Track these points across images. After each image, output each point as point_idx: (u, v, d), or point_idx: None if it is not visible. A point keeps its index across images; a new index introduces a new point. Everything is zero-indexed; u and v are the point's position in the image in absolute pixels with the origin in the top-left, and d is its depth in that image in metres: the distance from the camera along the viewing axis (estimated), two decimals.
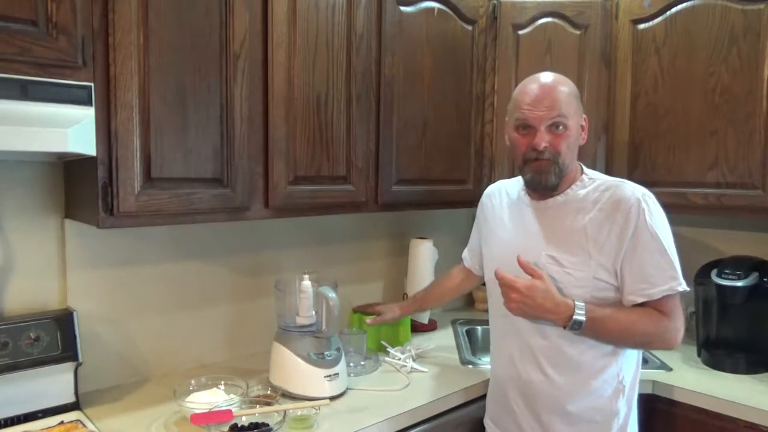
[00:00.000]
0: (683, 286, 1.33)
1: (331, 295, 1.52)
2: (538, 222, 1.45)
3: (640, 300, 1.32)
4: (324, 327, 1.55)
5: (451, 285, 1.90)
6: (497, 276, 1.35)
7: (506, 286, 1.34)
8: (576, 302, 1.32)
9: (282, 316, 1.64)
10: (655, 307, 1.33)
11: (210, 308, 1.81)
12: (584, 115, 1.44)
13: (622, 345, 1.38)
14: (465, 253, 1.83)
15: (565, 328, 1.33)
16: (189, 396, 1.42)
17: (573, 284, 1.35)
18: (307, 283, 1.57)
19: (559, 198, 1.43)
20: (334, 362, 1.56)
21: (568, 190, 1.42)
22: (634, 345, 1.40)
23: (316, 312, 1.58)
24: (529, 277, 1.34)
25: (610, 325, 1.32)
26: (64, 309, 1.50)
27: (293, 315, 1.59)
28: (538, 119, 1.36)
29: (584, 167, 1.48)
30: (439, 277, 2.00)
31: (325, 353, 1.55)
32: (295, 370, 1.53)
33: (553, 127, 1.36)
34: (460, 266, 1.87)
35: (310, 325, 1.57)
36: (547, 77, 1.39)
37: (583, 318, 1.30)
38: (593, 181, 1.42)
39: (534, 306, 1.31)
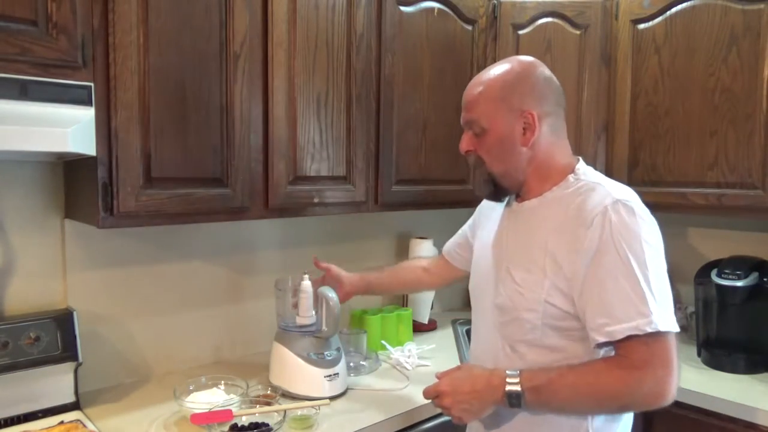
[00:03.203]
0: (655, 326, 1.00)
1: (331, 295, 1.52)
2: (511, 228, 1.25)
3: (601, 339, 1.04)
4: (324, 327, 1.55)
5: (412, 269, 1.69)
6: (425, 395, 1.21)
7: (435, 398, 1.17)
8: (508, 371, 1.09)
9: (282, 316, 1.64)
10: (623, 354, 1.04)
11: (210, 308, 1.81)
12: (527, 109, 1.16)
13: (592, 413, 1.12)
14: (448, 245, 1.65)
15: (508, 406, 1.09)
16: (189, 396, 1.42)
17: (523, 306, 1.14)
18: (307, 283, 1.57)
19: (534, 201, 1.21)
20: (334, 362, 1.56)
21: (548, 193, 1.19)
22: (609, 411, 1.13)
23: (316, 312, 1.58)
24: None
25: (562, 392, 1.06)
26: (64, 309, 1.49)
27: (293, 315, 1.59)
28: (462, 121, 1.24)
29: (580, 165, 1.23)
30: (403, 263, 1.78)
31: (325, 353, 1.54)
32: (295, 370, 1.53)
33: (470, 129, 1.22)
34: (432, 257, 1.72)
35: (310, 325, 1.57)
36: (477, 76, 1.24)
37: (517, 388, 1.06)
38: (578, 181, 1.18)
39: (468, 396, 1.11)
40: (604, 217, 1.07)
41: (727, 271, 1.81)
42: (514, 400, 1.07)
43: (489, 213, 1.38)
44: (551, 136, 1.20)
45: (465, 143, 1.23)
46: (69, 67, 1.17)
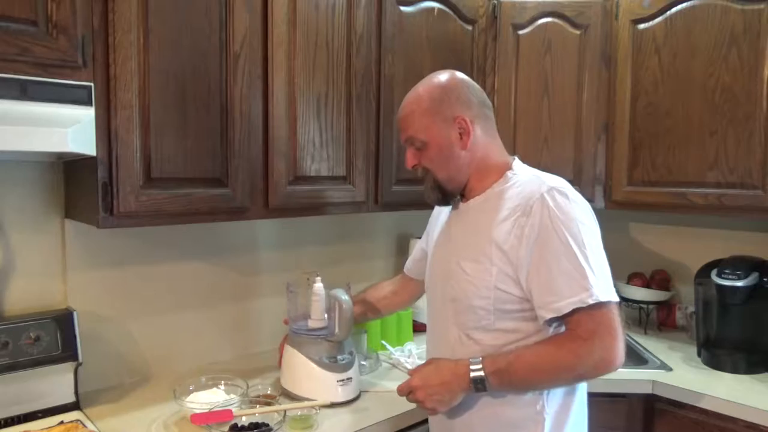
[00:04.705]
0: (596, 298, 1.10)
1: (344, 297, 1.48)
2: (458, 226, 1.33)
3: (548, 315, 1.14)
4: (336, 330, 1.50)
5: (382, 295, 1.68)
6: (398, 392, 1.27)
7: (409, 393, 1.24)
8: (471, 359, 1.17)
9: (294, 319, 1.60)
10: (572, 328, 1.14)
11: (210, 308, 1.81)
12: (459, 115, 1.25)
13: (549, 386, 1.20)
14: (407, 262, 1.67)
15: (475, 391, 1.18)
16: (189, 396, 1.42)
17: (475, 294, 1.21)
18: (319, 285, 1.53)
19: (479, 198, 1.29)
20: (347, 366, 1.52)
21: (489, 190, 1.28)
22: (566, 382, 1.21)
23: (329, 315, 1.54)
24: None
25: (521, 372, 1.15)
26: (64, 309, 1.49)
27: (305, 318, 1.56)
28: (402, 140, 1.34)
29: (516, 161, 1.32)
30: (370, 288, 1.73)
31: (338, 357, 1.51)
32: (308, 375, 1.50)
33: (411, 145, 1.30)
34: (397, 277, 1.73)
35: (322, 329, 1.53)
36: (406, 97, 1.33)
37: (481, 373, 1.15)
38: (516, 176, 1.27)
39: (439, 387, 1.19)
40: (542, 203, 1.16)
41: (727, 271, 1.81)
42: (479, 385, 1.16)
43: (437, 220, 1.48)
44: (485, 137, 1.29)
45: (410, 159, 1.32)
46: (69, 67, 1.17)
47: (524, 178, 1.25)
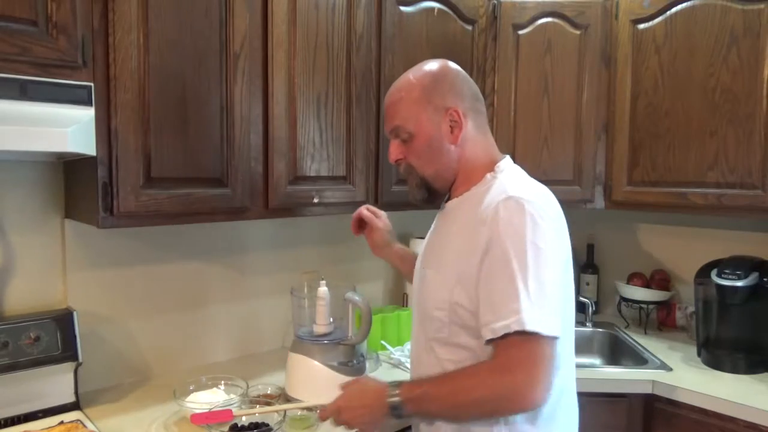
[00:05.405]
0: (522, 325, 0.96)
1: (360, 299, 1.44)
2: (435, 230, 1.27)
3: (487, 336, 1.01)
4: (351, 334, 1.48)
5: None
6: (323, 416, 1.19)
7: (334, 416, 1.15)
8: (391, 382, 1.10)
9: (301, 324, 1.57)
10: (495, 355, 1.02)
11: (210, 308, 1.81)
12: (451, 106, 1.15)
13: (466, 420, 1.08)
14: None
15: (393, 417, 1.09)
16: (189, 396, 1.42)
17: (433, 306, 1.13)
18: (323, 289, 1.50)
19: (455, 201, 1.20)
20: (362, 369, 1.50)
21: (467, 192, 1.18)
22: (478, 417, 1.07)
23: (334, 319, 1.52)
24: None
25: (435, 402, 1.05)
26: (64, 309, 1.49)
27: (311, 323, 1.54)
28: (387, 131, 1.23)
29: (503, 162, 1.20)
30: None
31: (354, 361, 1.49)
32: (324, 380, 1.45)
33: (397, 137, 1.20)
34: None
35: (327, 334, 1.51)
36: (394, 84, 1.22)
37: (396, 399, 1.06)
38: (494, 179, 1.15)
39: (361, 410, 1.12)
40: (496, 213, 1.04)
41: (727, 271, 1.81)
42: (395, 412, 1.07)
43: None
44: (476, 133, 1.19)
45: (394, 153, 1.22)
46: (69, 67, 1.17)
47: (498, 183, 1.13)
